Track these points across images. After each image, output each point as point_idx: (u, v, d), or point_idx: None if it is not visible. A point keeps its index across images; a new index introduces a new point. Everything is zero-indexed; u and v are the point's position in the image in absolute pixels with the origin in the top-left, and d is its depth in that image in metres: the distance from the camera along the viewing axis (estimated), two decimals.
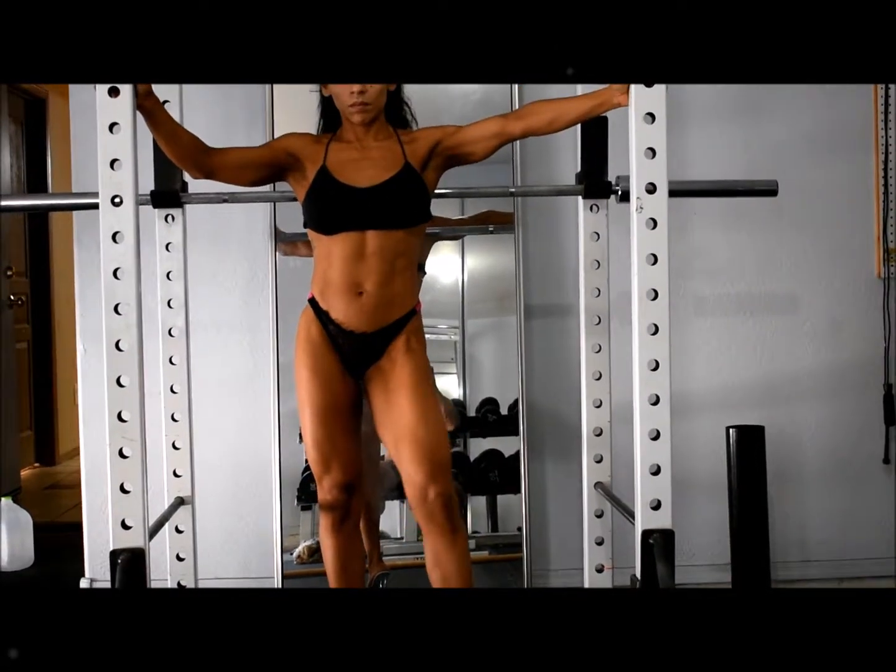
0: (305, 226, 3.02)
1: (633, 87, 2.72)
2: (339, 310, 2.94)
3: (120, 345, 2.60)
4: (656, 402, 2.72)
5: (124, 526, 2.60)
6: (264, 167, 3.03)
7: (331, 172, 2.96)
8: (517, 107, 3.85)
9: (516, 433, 3.92)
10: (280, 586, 3.77)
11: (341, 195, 2.93)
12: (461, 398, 4.00)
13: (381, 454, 3.75)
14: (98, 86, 2.59)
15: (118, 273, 2.60)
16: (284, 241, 3.82)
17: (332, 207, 2.94)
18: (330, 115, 3.09)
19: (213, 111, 3.85)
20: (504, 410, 3.98)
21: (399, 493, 3.58)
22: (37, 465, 6.92)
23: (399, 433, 2.95)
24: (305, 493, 3.85)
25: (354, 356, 2.96)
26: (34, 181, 6.82)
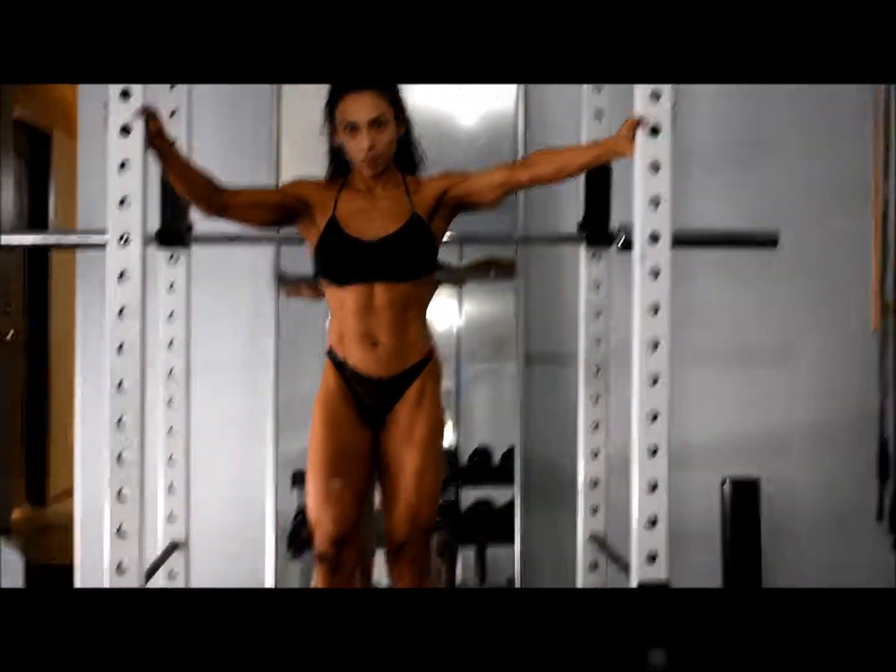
0: (316, 276, 3.02)
1: (638, 136, 2.73)
2: (356, 357, 2.94)
3: (122, 385, 2.60)
4: (655, 452, 2.71)
5: (120, 569, 2.58)
6: (276, 210, 3.02)
7: (340, 224, 2.96)
8: (521, 151, 3.89)
9: (508, 483, 3.91)
10: None
11: (350, 248, 2.93)
12: (454, 446, 3.98)
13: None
14: (110, 123, 2.60)
15: (123, 312, 2.60)
16: (288, 283, 3.83)
17: (341, 260, 2.94)
18: (339, 162, 3.08)
19: (218, 149, 3.84)
20: (497, 459, 3.98)
21: None
22: (28, 505, 6.86)
23: (395, 489, 2.98)
24: (296, 543, 3.85)
25: (371, 401, 2.97)
26: (36, 216, 6.81)
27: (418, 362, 2.99)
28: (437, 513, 3.11)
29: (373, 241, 2.93)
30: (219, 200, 2.96)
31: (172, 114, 3.35)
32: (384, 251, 2.92)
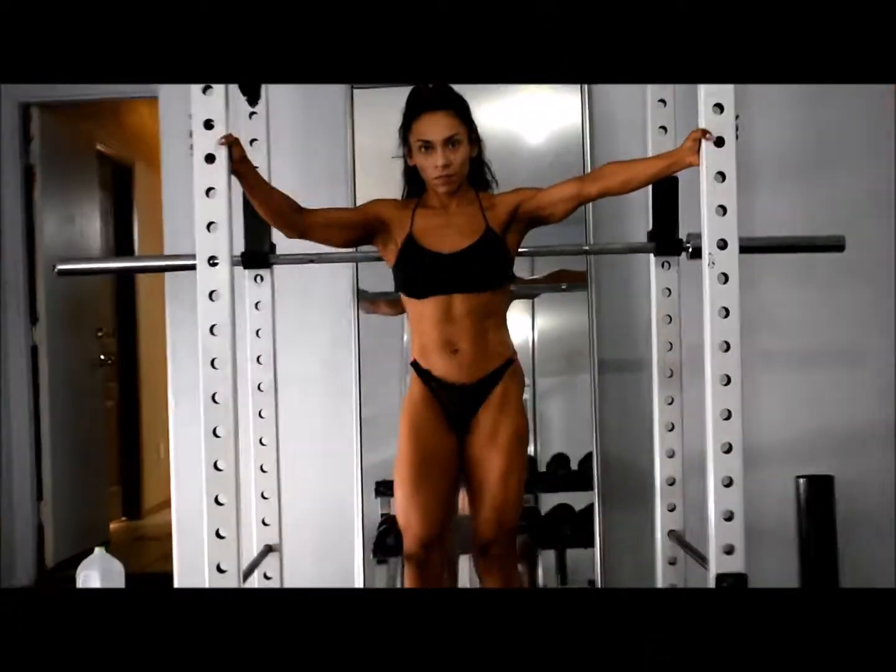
0: (396, 290, 3.06)
1: (703, 146, 2.76)
2: (438, 366, 2.98)
3: (216, 397, 2.66)
4: (729, 450, 2.75)
5: (219, 570, 2.66)
6: (355, 229, 3.07)
7: (417, 239, 3.00)
8: (588, 166, 3.91)
9: (586, 488, 3.91)
10: None
11: (428, 261, 2.98)
12: (532, 454, 3.99)
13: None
14: (195, 152, 2.68)
15: (214, 329, 2.66)
16: (367, 300, 3.87)
17: (419, 274, 2.98)
18: (414, 182, 3.13)
19: (295, 173, 3.93)
20: (574, 465, 3.99)
21: None
22: (124, 518, 7.00)
23: (481, 491, 3.01)
24: (381, 548, 3.89)
25: (456, 407, 3.00)
26: (121, 244, 6.94)
27: (499, 366, 3.01)
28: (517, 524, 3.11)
29: (450, 254, 2.97)
30: (300, 222, 3.01)
31: (252, 142, 3.42)
32: (461, 264, 2.96)
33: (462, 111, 3.02)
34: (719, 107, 2.74)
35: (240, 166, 2.77)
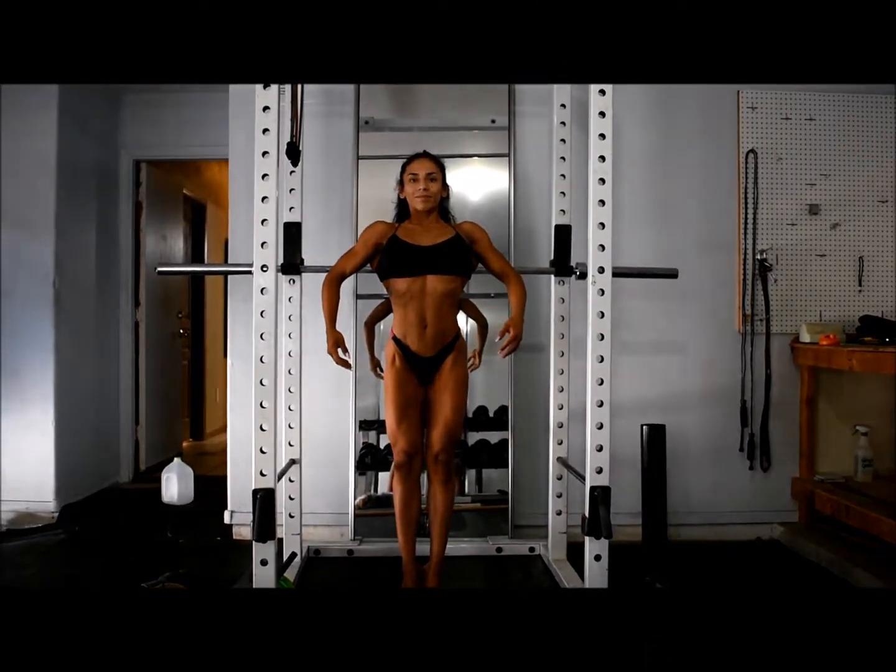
0: (383, 278, 3.00)
1: (590, 205, 2.77)
2: (413, 341, 2.97)
3: (263, 359, 2.65)
4: (601, 405, 2.77)
5: (262, 474, 2.65)
6: (366, 260, 3.04)
7: (400, 238, 2.98)
8: (512, 212, 3.90)
9: (499, 429, 3.90)
10: (353, 519, 3.79)
11: (408, 249, 2.95)
12: None
13: None
14: (255, 194, 2.65)
15: (263, 314, 2.65)
16: (367, 325, 3.67)
17: (401, 257, 2.94)
18: (402, 210, 3.11)
19: (318, 214, 3.90)
20: (491, 414, 3.96)
21: None
22: (191, 439, 6.92)
23: (437, 417, 3.02)
24: (361, 465, 3.86)
25: (424, 369, 2.99)
26: (196, 256, 6.87)
27: (451, 340, 3.01)
28: (458, 441, 3.13)
29: (426, 246, 2.95)
30: (343, 279, 3.01)
31: (291, 190, 3.40)
32: (435, 252, 2.94)
33: (440, 164, 3.04)
34: (602, 157, 2.76)
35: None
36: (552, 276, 3.50)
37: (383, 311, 3.59)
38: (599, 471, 2.77)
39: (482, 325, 3.66)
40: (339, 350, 2.86)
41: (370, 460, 3.85)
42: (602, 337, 2.77)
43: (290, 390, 3.41)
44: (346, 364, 2.87)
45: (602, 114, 2.77)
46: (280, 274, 3.27)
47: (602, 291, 2.77)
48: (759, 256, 4.02)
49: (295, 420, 3.43)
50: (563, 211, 3.48)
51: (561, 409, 3.45)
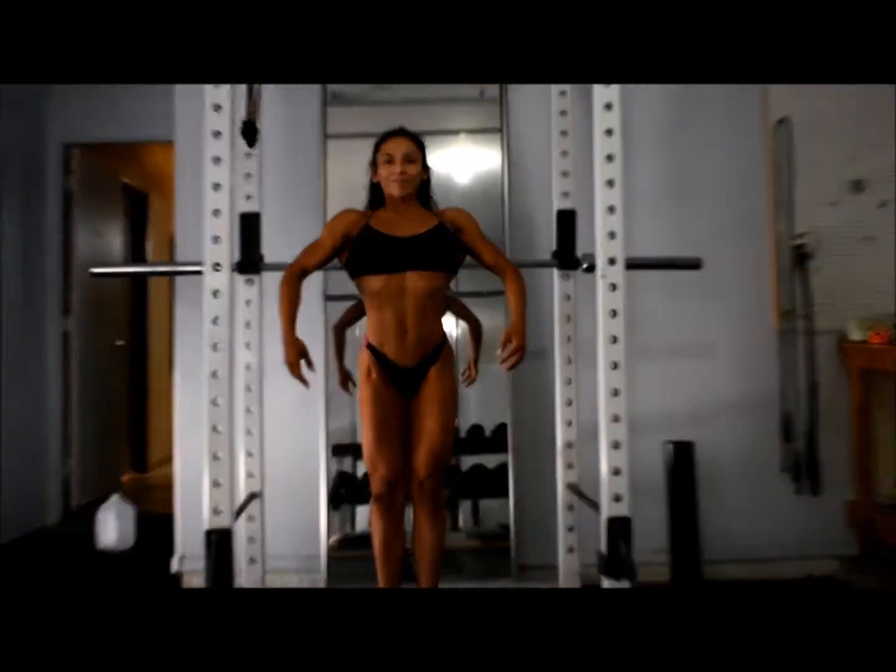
0: (354, 276, 2.96)
1: (596, 185, 2.76)
2: (391, 349, 2.93)
3: (216, 374, 2.64)
4: (616, 419, 2.75)
5: (216, 511, 2.62)
6: (331, 253, 2.99)
7: (374, 228, 2.95)
8: (506, 196, 3.91)
9: (497, 451, 3.88)
10: (326, 563, 3.77)
11: (385, 242, 2.91)
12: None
13: None
14: (206, 181, 2.64)
15: (216, 321, 2.64)
16: (337, 329, 3.70)
17: (376, 252, 2.91)
18: (375, 196, 3.07)
19: (282, 201, 3.89)
20: (488, 434, 3.95)
21: None
22: (133, 472, 6.87)
23: (421, 439, 2.99)
24: (335, 497, 3.84)
25: (405, 382, 2.97)
26: (136, 254, 6.85)
27: (435, 347, 2.98)
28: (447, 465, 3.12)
29: (405, 237, 2.92)
30: (306, 275, 2.99)
31: (248, 176, 3.40)
32: (416, 245, 2.91)
33: (418, 143, 3.02)
34: (609, 131, 2.75)
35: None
36: (555, 270, 3.49)
37: (355, 315, 3.57)
38: (617, 499, 2.75)
39: (474, 328, 3.65)
40: (302, 362, 2.83)
41: (345, 492, 3.84)
42: (615, 340, 2.76)
43: (248, 410, 3.39)
44: (304, 380, 2.84)
45: None
46: (236, 273, 3.24)
47: (614, 286, 2.76)
48: (795, 242, 4.03)
49: (255, 446, 3.40)
50: (565, 194, 3.47)
51: (569, 425, 3.44)
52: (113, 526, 4.40)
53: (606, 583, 2.78)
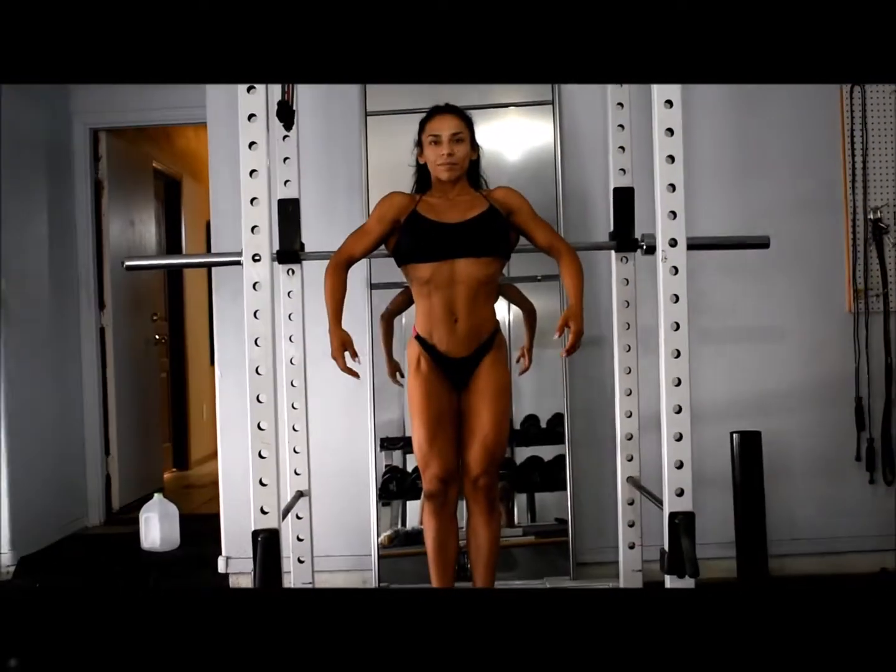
0: (401, 263, 3.01)
1: (656, 162, 2.76)
2: (441, 340, 2.96)
3: (259, 370, 2.66)
4: (679, 410, 2.76)
5: (263, 511, 2.66)
6: (381, 240, 3.04)
7: (421, 214, 2.97)
8: (560, 180, 3.91)
9: (553, 442, 3.90)
10: (377, 562, 3.81)
11: (433, 228, 2.94)
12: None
13: None
14: (241, 167, 2.67)
15: (257, 314, 2.66)
16: (384, 319, 3.76)
17: (424, 239, 2.94)
18: (422, 178, 3.11)
19: (320, 185, 3.92)
20: (543, 424, 3.97)
21: None
22: (174, 469, 7.00)
23: (474, 434, 3.02)
24: (385, 493, 3.89)
25: (456, 373, 3.00)
26: (171, 244, 6.94)
27: (489, 337, 3.01)
28: (502, 460, 3.15)
29: (454, 223, 2.94)
30: (354, 263, 3.04)
31: (286, 160, 3.43)
32: (465, 231, 2.93)
33: (466, 120, 3.03)
34: (669, 102, 2.75)
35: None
36: (612, 252, 3.48)
37: (403, 304, 3.61)
38: (680, 493, 2.75)
39: (529, 314, 3.66)
40: (347, 354, 2.88)
41: (395, 487, 3.88)
42: (677, 326, 2.76)
43: (293, 406, 3.43)
44: (353, 373, 2.89)
45: None
46: (276, 264, 3.30)
47: (675, 269, 2.76)
48: (872, 216, 4.00)
49: (301, 443, 3.45)
50: (622, 170, 3.46)
51: (629, 416, 3.45)
52: (157, 526, 4.49)
53: (669, 581, 2.79)
